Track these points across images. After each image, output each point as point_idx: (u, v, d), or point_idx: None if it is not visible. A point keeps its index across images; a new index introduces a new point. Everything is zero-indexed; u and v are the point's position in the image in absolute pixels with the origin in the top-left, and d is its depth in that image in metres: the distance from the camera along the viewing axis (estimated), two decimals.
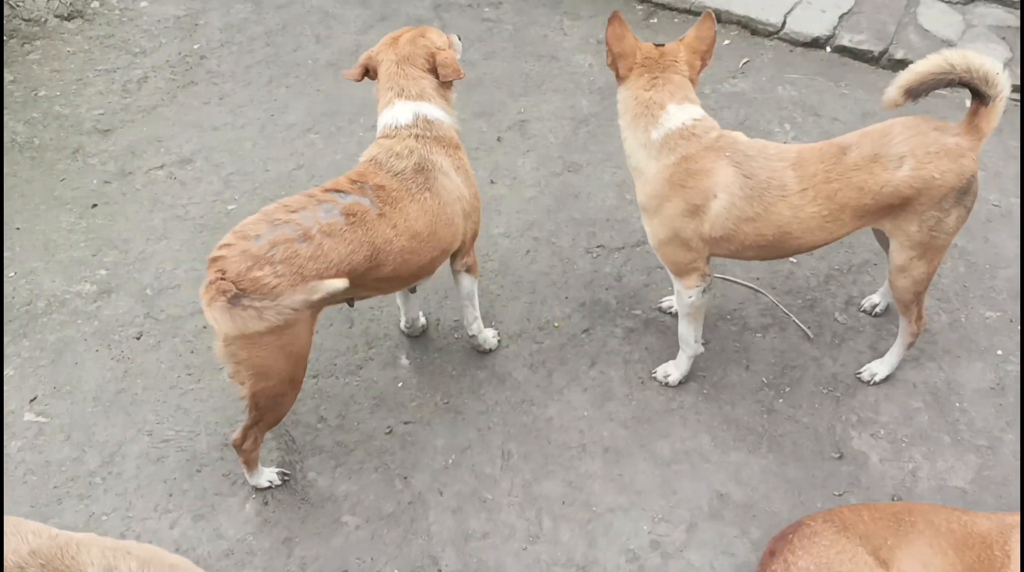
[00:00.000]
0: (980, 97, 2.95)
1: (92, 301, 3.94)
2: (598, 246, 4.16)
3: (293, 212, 2.79)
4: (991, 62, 2.89)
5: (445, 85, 3.20)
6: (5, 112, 4.79)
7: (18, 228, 4.24)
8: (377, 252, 2.89)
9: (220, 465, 3.42)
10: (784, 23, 5.20)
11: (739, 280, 3.98)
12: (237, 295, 2.61)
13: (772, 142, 3.15)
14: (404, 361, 3.74)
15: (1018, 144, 4.58)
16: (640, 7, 5.48)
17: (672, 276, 3.32)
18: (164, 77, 5.02)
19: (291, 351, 2.85)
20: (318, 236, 2.76)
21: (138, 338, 3.82)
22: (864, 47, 5.04)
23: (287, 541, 3.20)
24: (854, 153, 2.98)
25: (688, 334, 3.46)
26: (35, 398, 3.61)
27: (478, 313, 3.62)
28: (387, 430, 3.51)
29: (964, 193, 3.01)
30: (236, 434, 3.14)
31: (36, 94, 4.90)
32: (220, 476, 3.39)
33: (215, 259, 2.72)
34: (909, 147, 2.94)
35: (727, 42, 5.22)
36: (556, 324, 3.87)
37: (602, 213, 4.29)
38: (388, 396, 3.62)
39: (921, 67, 2.91)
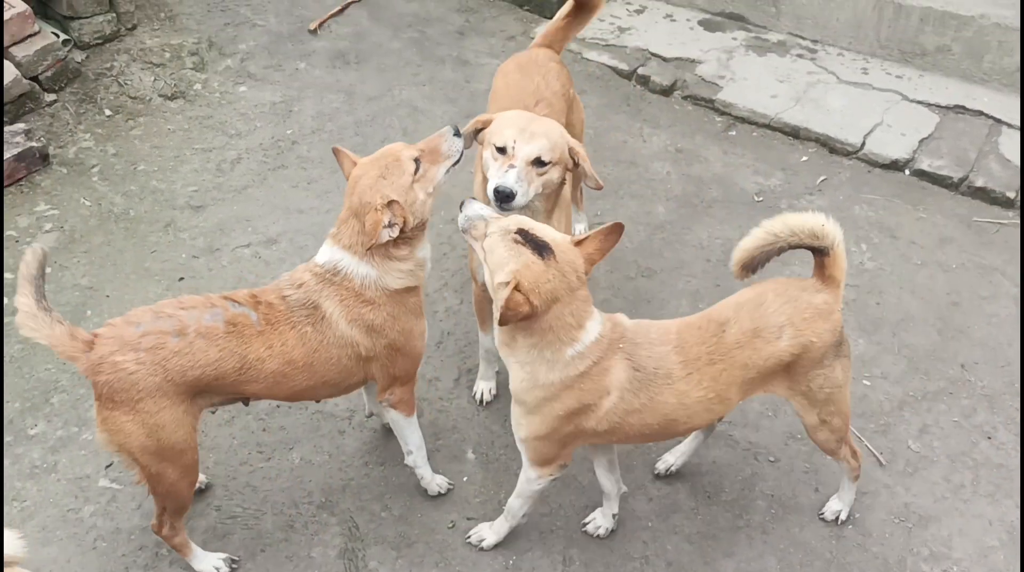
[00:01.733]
0: (819, 251, 2.97)
1: None
2: None
3: (183, 309, 2.92)
4: (812, 217, 2.93)
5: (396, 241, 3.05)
6: (107, 182, 5.02)
7: (108, 295, 4.41)
8: (247, 367, 2.94)
9: (284, 547, 3.44)
10: (863, 144, 5.26)
11: None
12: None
13: (655, 322, 3.07)
14: (470, 455, 3.76)
15: None
16: (719, 119, 5.59)
17: (527, 462, 3.11)
18: (256, 159, 5.23)
19: (162, 440, 2.89)
20: (192, 335, 2.86)
21: (212, 412, 3.90)
22: (943, 172, 5.07)
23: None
24: (734, 329, 2.90)
25: (518, 510, 3.29)
26: (111, 464, 3.69)
27: (415, 454, 3.47)
28: (450, 524, 3.51)
29: (840, 344, 3.02)
30: (153, 520, 3.19)
31: (135, 168, 5.13)
32: (283, 558, 3.41)
33: (96, 334, 2.86)
34: (786, 316, 2.91)
35: (804, 159, 5.29)
36: None
37: None
38: (453, 490, 3.63)
39: (746, 244, 2.98)
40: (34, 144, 4.98)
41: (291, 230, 4.78)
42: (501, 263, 2.70)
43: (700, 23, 6.25)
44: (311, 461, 3.74)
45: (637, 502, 3.59)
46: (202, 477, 3.61)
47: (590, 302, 2.87)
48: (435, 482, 3.59)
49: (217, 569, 3.33)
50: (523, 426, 2.97)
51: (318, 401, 3.72)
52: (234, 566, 3.37)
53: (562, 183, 3.34)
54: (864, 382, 4.03)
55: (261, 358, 2.95)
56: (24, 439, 3.78)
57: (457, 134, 3.19)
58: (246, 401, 3.25)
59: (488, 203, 3.15)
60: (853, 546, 3.45)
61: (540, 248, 2.69)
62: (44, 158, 5.04)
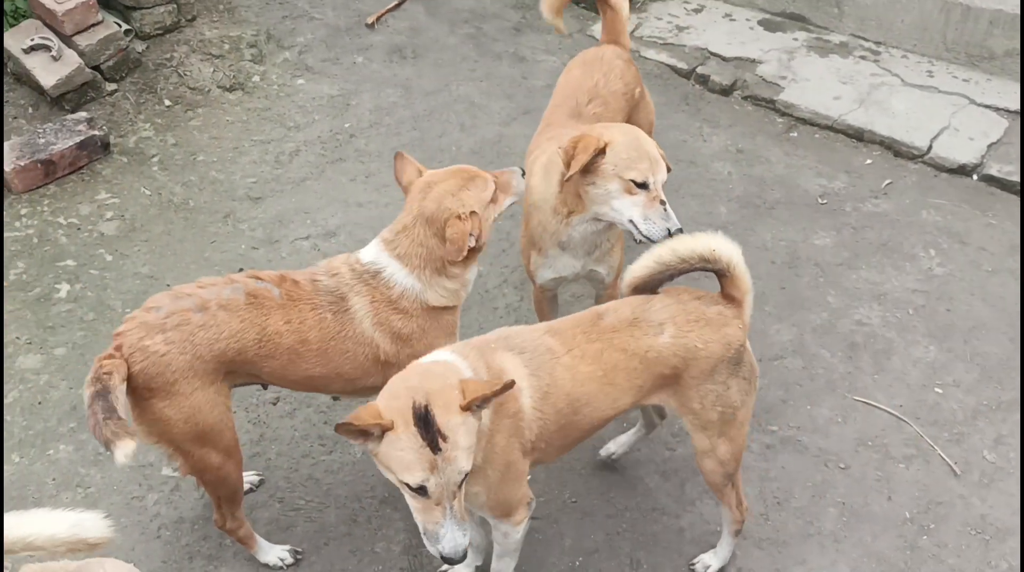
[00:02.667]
0: (718, 273, 2.87)
1: None
2: None
3: (201, 288, 2.91)
4: (701, 242, 2.79)
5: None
6: (167, 172, 5.03)
7: (168, 285, 4.39)
8: (266, 339, 2.91)
9: (347, 541, 3.42)
10: (930, 147, 5.15)
11: (883, 406, 3.86)
12: (101, 392, 2.64)
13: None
14: None
15: None
16: (780, 120, 5.50)
17: (496, 520, 2.85)
18: (315, 152, 5.22)
19: (199, 423, 2.86)
20: (214, 308, 2.85)
21: (275, 404, 3.88)
22: (1013, 178, 4.95)
23: None
24: (611, 317, 2.82)
25: (510, 567, 3.02)
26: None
27: None
28: None
29: (737, 364, 2.89)
30: (215, 514, 3.15)
31: (195, 158, 5.13)
32: (347, 551, 3.38)
33: (117, 334, 2.81)
34: (669, 314, 2.81)
35: (869, 162, 5.19)
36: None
37: None
38: None
39: (636, 270, 2.86)
40: (96, 133, 5.00)
41: (350, 223, 4.76)
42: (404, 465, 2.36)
43: (760, 23, 6.16)
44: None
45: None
46: (253, 477, 3.59)
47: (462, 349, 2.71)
48: None
49: (282, 560, 3.30)
50: (483, 491, 2.70)
51: (334, 398, 3.72)
52: (299, 557, 3.34)
53: None
54: (936, 390, 3.94)
55: (279, 332, 2.92)
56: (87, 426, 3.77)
57: (522, 174, 3.20)
58: (264, 385, 3.24)
59: (565, 239, 3.30)
60: (928, 557, 3.36)
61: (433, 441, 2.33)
62: (105, 147, 5.05)
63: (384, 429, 2.30)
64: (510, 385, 2.38)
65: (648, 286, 2.90)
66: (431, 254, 3.00)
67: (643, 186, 3.08)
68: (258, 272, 3.04)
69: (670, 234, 3.03)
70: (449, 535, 2.39)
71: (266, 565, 3.31)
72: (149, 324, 2.81)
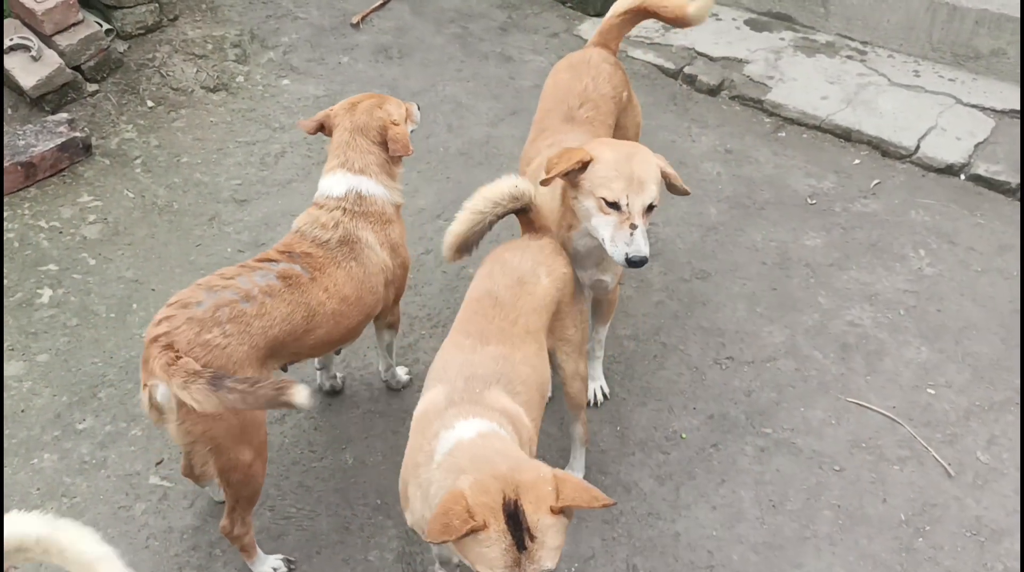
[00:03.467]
0: (521, 211, 3.11)
1: None
2: (727, 357, 4.08)
3: (229, 279, 2.91)
4: (506, 182, 3.04)
5: (393, 159, 3.34)
6: (150, 174, 4.95)
7: (153, 289, 4.33)
8: (313, 314, 3.01)
9: (339, 549, 3.37)
10: (918, 147, 5.16)
11: (876, 407, 3.86)
12: (218, 376, 2.60)
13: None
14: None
15: None
16: (768, 120, 5.49)
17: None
18: (300, 153, 5.16)
19: (246, 416, 2.84)
20: (260, 296, 2.89)
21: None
22: (1001, 178, 4.96)
23: None
24: (502, 291, 2.90)
25: None
26: (161, 461, 3.62)
27: (393, 361, 3.80)
28: None
29: (574, 281, 3.20)
30: (223, 520, 3.08)
31: (179, 160, 5.06)
32: (340, 560, 3.33)
33: (156, 337, 2.71)
34: (531, 261, 3.01)
35: (857, 162, 5.18)
36: (683, 435, 3.77)
37: (732, 324, 4.22)
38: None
39: (457, 229, 3.06)
40: (77, 134, 4.92)
41: None
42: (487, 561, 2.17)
43: (746, 22, 6.15)
44: (364, 461, 3.66)
45: (700, 510, 3.50)
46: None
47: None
48: (403, 375, 3.90)
49: (275, 570, 3.25)
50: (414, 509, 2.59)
51: (336, 352, 3.79)
52: (291, 566, 3.29)
53: None
54: (929, 391, 3.94)
55: (322, 302, 3.04)
56: (72, 434, 3.71)
57: (417, 108, 3.60)
58: (284, 368, 3.25)
59: (571, 251, 3.27)
60: (924, 560, 3.35)
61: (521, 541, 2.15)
62: (87, 148, 4.97)
63: (476, 530, 2.13)
64: (610, 503, 2.26)
65: (469, 244, 3.11)
66: (379, 159, 3.30)
67: (615, 206, 2.99)
68: (264, 255, 3.11)
69: (629, 261, 2.98)
70: None
71: None
72: (200, 319, 2.75)
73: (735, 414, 3.85)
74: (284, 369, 3.34)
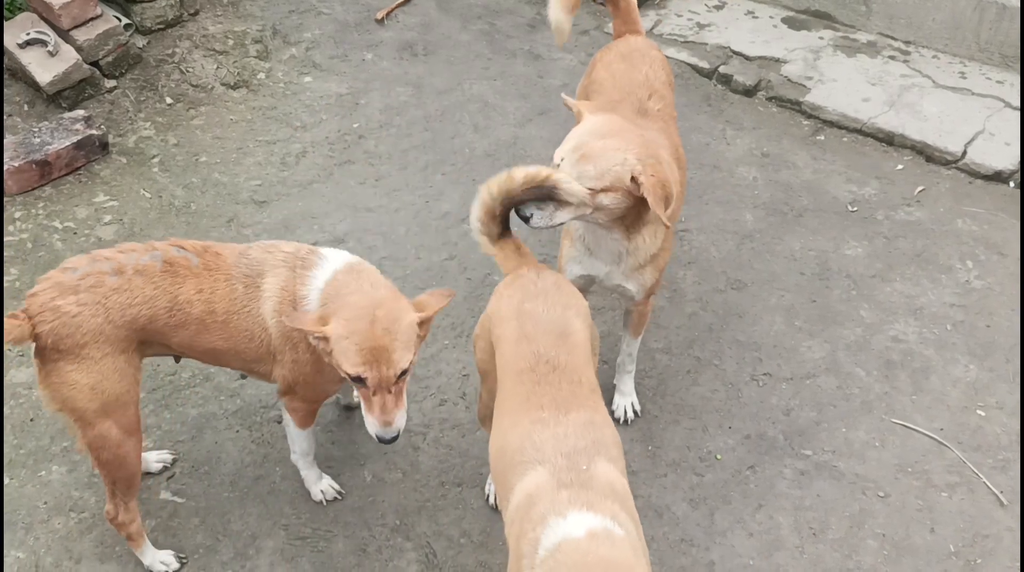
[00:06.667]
0: (558, 199, 2.87)
1: (236, 378, 3.82)
2: (765, 373, 3.89)
3: (121, 253, 2.87)
4: (535, 169, 2.83)
5: None
6: (168, 174, 4.82)
7: None
8: (177, 307, 2.85)
9: None
10: (964, 153, 4.93)
11: (922, 430, 3.65)
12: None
13: None
14: None
15: None
16: (807, 122, 5.28)
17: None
18: (322, 153, 5.01)
19: (105, 391, 2.79)
20: (130, 272, 2.81)
21: (279, 422, 3.68)
22: None
23: None
24: (555, 353, 2.66)
25: None
26: (172, 476, 3.48)
27: (299, 456, 3.33)
28: None
29: None
30: (107, 505, 3.03)
31: (197, 159, 4.92)
32: None
33: (31, 294, 2.76)
34: (560, 306, 2.78)
35: (900, 167, 4.96)
36: (718, 456, 3.59)
37: (769, 337, 4.03)
38: (342, 499, 3.44)
39: (475, 213, 2.91)
40: (94, 132, 4.79)
41: (359, 229, 4.54)
42: None
43: (784, 21, 5.93)
44: (383, 479, 3.51)
45: (736, 537, 3.32)
46: (167, 456, 3.50)
47: None
48: (320, 486, 3.41)
49: (165, 565, 3.18)
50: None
51: (242, 376, 3.71)
52: (183, 561, 3.20)
53: (634, 206, 3.00)
54: (979, 412, 3.73)
55: (190, 301, 2.86)
56: None
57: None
58: (177, 358, 3.18)
59: (584, 244, 3.23)
60: None
61: None
62: (103, 147, 4.84)
63: None
64: None
65: (497, 225, 2.92)
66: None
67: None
68: (181, 241, 2.97)
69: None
70: None
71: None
72: (63, 284, 2.76)
73: (773, 434, 3.66)
74: (177, 360, 3.24)
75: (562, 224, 3.03)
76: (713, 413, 3.74)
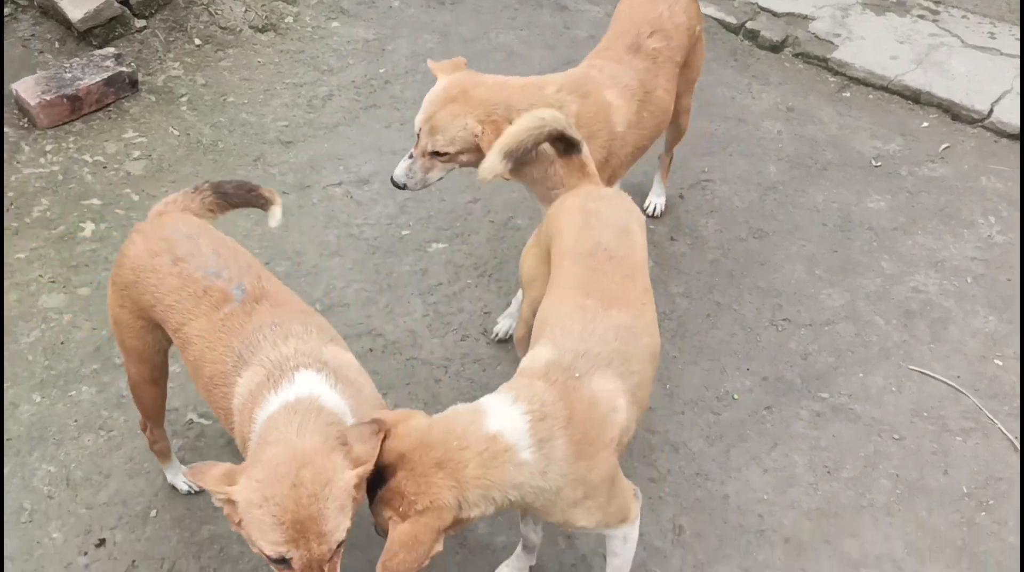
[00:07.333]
0: (574, 147, 2.90)
1: None
2: (784, 319, 3.92)
3: (222, 258, 2.59)
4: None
5: None
6: (196, 113, 4.87)
7: None
8: (181, 334, 2.56)
9: None
10: (991, 112, 4.92)
11: (939, 377, 3.68)
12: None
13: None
14: None
15: None
16: (833, 79, 5.27)
17: (614, 530, 2.53)
18: (348, 97, 5.04)
19: (125, 343, 2.81)
20: (192, 272, 2.53)
21: None
22: None
23: None
24: (616, 246, 2.68)
25: None
26: (200, 399, 3.55)
27: None
28: None
29: None
30: (140, 419, 3.08)
31: (225, 99, 4.96)
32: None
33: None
34: (622, 209, 2.83)
35: (925, 125, 4.96)
36: (736, 396, 3.63)
37: (789, 285, 4.05)
38: None
39: (515, 127, 2.82)
40: (123, 69, 4.83)
41: (383, 171, 4.57)
42: None
43: None
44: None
45: (751, 473, 3.37)
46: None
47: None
48: None
49: (189, 486, 3.25)
50: (595, 519, 2.40)
51: None
52: (191, 491, 3.26)
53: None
54: (996, 362, 3.75)
55: (189, 339, 2.54)
56: (111, 368, 3.65)
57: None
58: None
59: None
60: (987, 534, 3.19)
61: None
62: (133, 84, 4.89)
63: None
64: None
65: (519, 149, 2.85)
66: None
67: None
68: (260, 275, 2.60)
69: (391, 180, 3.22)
70: None
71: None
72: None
73: (790, 377, 3.70)
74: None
75: (440, 179, 3.26)
76: (731, 355, 3.78)
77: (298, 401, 2.21)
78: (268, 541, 1.99)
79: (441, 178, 3.26)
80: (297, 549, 1.98)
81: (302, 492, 1.97)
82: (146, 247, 2.61)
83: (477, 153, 3.07)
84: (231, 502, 2.03)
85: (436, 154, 3.13)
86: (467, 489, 2.09)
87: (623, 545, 2.59)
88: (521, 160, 2.98)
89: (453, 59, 3.34)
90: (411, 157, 3.19)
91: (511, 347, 3.66)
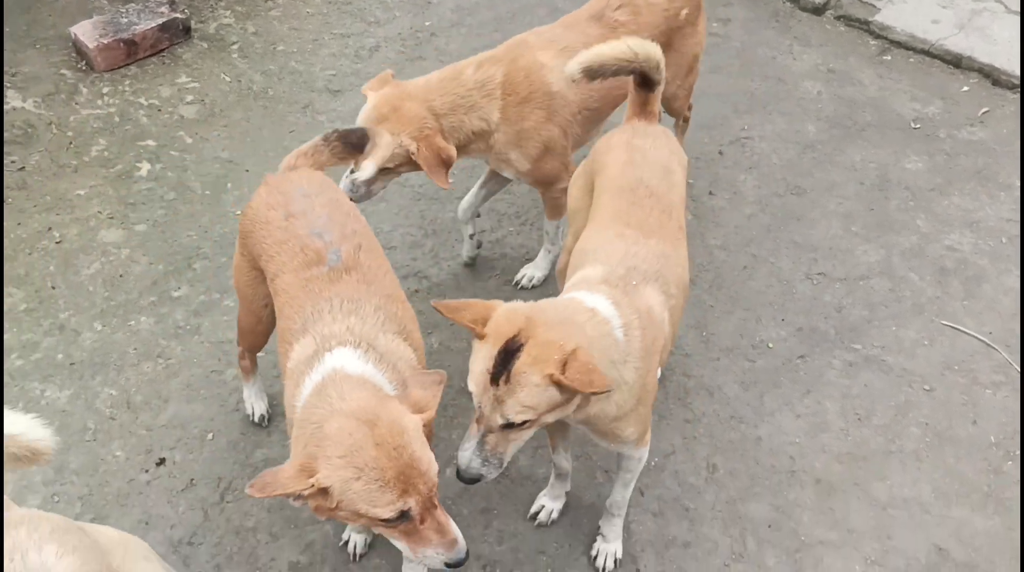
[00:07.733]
0: (649, 85, 2.95)
1: None
2: (819, 273, 4.00)
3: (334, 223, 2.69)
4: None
5: None
6: (247, 60, 4.98)
7: (247, 170, 4.39)
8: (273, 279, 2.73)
9: None
10: None
11: (971, 332, 3.76)
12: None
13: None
14: None
15: None
16: (874, 42, 5.30)
17: (633, 449, 2.71)
18: (394, 49, 5.13)
19: (240, 289, 2.93)
20: (299, 231, 2.62)
21: None
22: None
23: (485, 511, 3.17)
24: (656, 183, 2.80)
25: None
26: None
27: None
28: None
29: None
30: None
31: (275, 48, 5.07)
32: None
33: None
34: (666, 149, 2.93)
35: (965, 89, 4.98)
36: (770, 345, 3.73)
37: (825, 240, 4.13)
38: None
39: (604, 51, 2.83)
40: (177, 16, 4.95)
41: None
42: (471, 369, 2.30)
43: None
44: (450, 347, 3.70)
45: (784, 418, 3.47)
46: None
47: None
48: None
49: (258, 412, 3.38)
50: (632, 429, 2.58)
51: None
52: (263, 423, 3.39)
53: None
54: None
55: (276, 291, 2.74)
56: (168, 300, 3.80)
57: None
58: None
59: None
60: (1012, 482, 3.29)
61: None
62: (186, 31, 5.01)
63: (476, 334, 2.25)
64: (602, 391, 2.18)
65: (600, 71, 2.87)
66: None
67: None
68: (361, 245, 2.65)
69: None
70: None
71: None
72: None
73: (824, 328, 3.79)
74: None
75: (377, 183, 3.35)
76: (767, 306, 3.87)
77: (335, 372, 2.26)
78: (383, 504, 2.03)
79: (384, 187, 3.43)
80: (411, 497, 2.05)
81: (388, 447, 2.03)
82: (267, 199, 2.71)
83: (415, 164, 3.25)
84: (321, 491, 2.03)
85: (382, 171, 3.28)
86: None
87: (638, 464, 2.80)
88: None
89: (379, 74, 3.42)
90: (352, 172, 3.27)
91: (548, 292, 3.77)
